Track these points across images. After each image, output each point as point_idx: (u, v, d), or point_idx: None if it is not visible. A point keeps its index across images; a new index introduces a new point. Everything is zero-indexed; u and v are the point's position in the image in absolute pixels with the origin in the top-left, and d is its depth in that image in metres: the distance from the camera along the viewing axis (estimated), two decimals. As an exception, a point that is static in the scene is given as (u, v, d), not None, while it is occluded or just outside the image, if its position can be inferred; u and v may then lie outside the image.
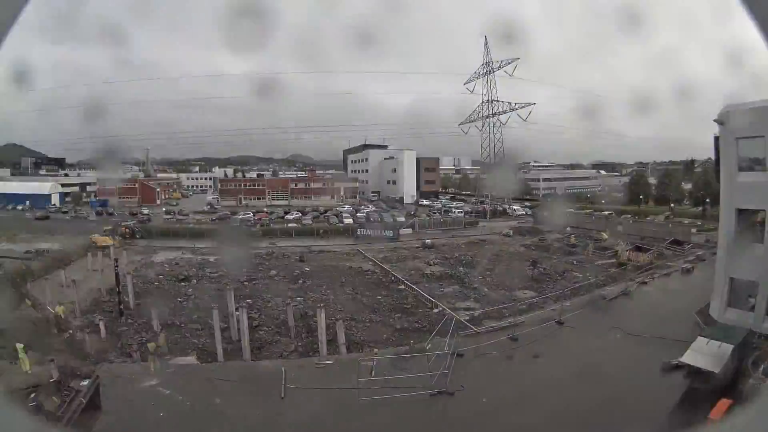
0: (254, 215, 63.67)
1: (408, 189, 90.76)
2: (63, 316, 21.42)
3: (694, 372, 14.70)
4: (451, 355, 16.56)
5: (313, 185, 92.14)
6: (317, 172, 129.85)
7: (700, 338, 15.62)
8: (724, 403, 12.67)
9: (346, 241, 44.95)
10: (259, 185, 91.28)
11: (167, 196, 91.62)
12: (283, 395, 14.90)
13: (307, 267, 35.25)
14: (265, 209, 70.33)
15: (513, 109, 71.23)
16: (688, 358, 15.03)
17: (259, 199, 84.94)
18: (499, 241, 47.27)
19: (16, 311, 20.71)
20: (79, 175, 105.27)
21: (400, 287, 31.12)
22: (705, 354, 14.73)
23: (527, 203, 77.25)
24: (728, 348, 14.63)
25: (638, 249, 37.62)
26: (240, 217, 61.81)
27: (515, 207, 70.95)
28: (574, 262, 37.65)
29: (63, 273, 28.01)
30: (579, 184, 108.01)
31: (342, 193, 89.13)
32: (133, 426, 13.17)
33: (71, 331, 20.93)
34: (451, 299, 28.31)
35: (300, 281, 31.88)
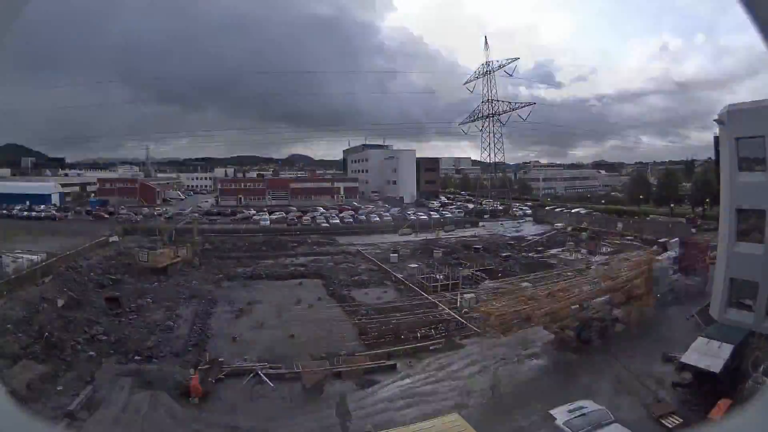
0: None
1: (408, 189, 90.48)
2: None
3: (694, 372, 14.69)
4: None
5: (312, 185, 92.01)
6: (317, 171, 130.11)
7: (700, 338, 15.60)
8: (724, 403, 12.67)
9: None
10: (258, 185, 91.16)
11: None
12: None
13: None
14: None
15: (513, 109, 71.12)
16: (688, 357, 15.01)
17: (259, 199, 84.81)
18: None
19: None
20: (79, 174, 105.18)
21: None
22: (705, 354, 14.70)
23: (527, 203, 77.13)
24: (728, 348, 14.60)
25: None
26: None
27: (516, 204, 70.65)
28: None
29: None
30: (579, 184, 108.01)
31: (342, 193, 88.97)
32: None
33: None
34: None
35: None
